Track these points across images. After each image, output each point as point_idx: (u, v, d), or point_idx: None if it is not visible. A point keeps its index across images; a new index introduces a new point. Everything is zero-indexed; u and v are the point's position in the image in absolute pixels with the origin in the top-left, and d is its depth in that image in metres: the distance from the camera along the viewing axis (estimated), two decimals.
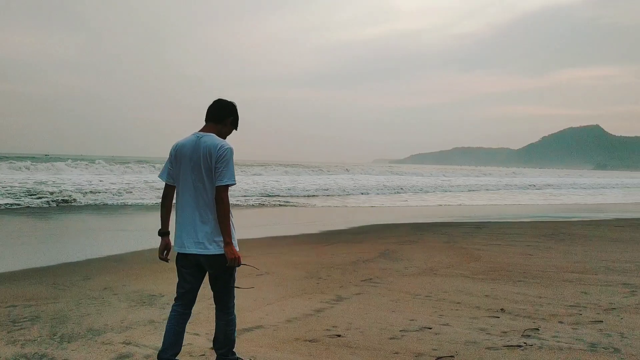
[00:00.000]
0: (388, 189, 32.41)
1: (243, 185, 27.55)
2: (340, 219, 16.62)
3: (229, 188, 3.38)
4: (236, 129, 3.68)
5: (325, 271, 7.67)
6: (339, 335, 4.52)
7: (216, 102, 3.62)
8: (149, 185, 23.95)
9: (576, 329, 4.65)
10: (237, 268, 3.52)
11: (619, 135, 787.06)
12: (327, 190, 29.04)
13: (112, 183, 24.18)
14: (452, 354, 3.99)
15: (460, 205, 23.81)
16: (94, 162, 36.70)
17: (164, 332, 3.58)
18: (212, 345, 3.86)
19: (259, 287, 6.60)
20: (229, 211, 3.38)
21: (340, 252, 9.63)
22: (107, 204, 18.62)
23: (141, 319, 5.06)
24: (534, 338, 4.40)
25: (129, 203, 19.09)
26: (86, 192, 20.33)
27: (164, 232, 3.64)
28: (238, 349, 4.05)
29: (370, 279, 7.11)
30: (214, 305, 3.68)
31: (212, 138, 3.45)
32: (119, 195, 20.38)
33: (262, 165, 53.44)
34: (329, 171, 51.41)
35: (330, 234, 12.56)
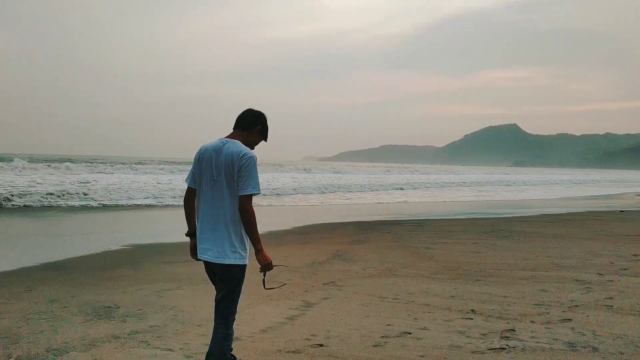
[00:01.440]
0: (328, 188, 32.48)
1: (182, 186, 26.74)
2: (281, 218, 16.46)
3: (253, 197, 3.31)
4: (265, 140, 3.63)
5: (284, 275, 7.49)
6: (321, 345, 4.38)
7: (246, 111, 3.57)
8: (80, 185, 22.77)
9: (549, 328, 4.75)
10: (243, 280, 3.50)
11: (535, 133, 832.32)
12: (265, 189, 28.72)
13: (38, 183, 22.73)
14: None
15: (398, 203, 24.24)
16: (11, 161, 34.38)
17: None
18: None
19: (246, 294, 6.33)
20: (255, 220, 3.32)
21: (292, 254, 9.47)
22: (33, 206, 17.50)
23: (103, 334, 4.70)
24: (513, 340, 4.44)
25: (60, 205, 18.04)
26: (13, 195, 18.96)
27: (191, 233, 3.55)
28: None
29: (333, 282, 7.00)
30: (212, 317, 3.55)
31: (237, 145, 3.39)
32: (48, 197, 19.16)
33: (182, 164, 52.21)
34: (264, 170, 50.84)
35: (276, 235, 12.35)
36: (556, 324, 4.89)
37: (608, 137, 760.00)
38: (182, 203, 3.64)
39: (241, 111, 3.57)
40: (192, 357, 4.13)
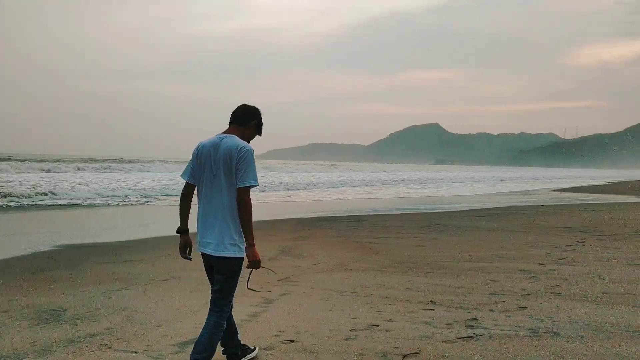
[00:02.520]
0: (264, 186, 32.15)
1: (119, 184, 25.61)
2: None
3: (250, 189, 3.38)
4: (260, 135, 3.73)
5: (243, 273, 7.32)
6: (292, 341, 4.30)
7: (241, 106, 3.66)
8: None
9: (509, 316, 4.91)
10: (242, 271, 3.54)
11: (456, 133, 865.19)
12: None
13: None
14: (415, 351, 3.98)
15: (334, 199, 24.43)
16: None
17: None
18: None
19: (173, 293, 6.11)
20: (251, 213, 3.38)
21: None
22: None
23: (56, 339, 4.39)
24: (478, 328, 4.55)
25: None
26: None
27: (182, 230, 3.66)
28: None
29: (287, 278, 6.92)
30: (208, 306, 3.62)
31: (234, 139, 3.47)
32: None
33: (121, 162, 50.16)
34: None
35: None
36: (514, 311, 5.07)
37: (522, 136, 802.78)
38: (140, 202, 3.52)
39: (234, 107, 3.65)
40: (160, 358, 3.94)
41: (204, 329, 3.48)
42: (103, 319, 4.98)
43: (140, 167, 42.09)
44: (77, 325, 4.78)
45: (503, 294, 5.77)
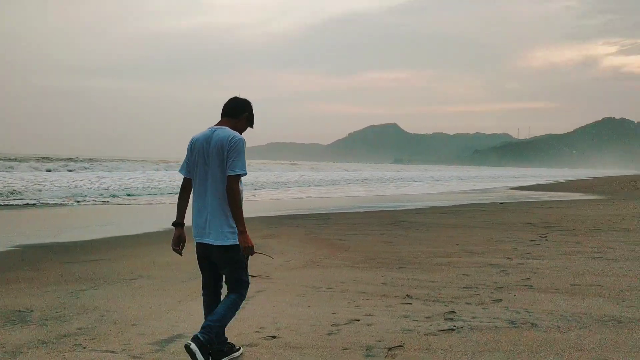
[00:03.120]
0: None
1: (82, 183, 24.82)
2: (171, 216, 15.94)
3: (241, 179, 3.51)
4: (252, 127, 3.80)
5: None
6: (274, 337, 4.24)
7: (232, 99, 3.72)
8: None
9: (486, 308, 4.98)
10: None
11: (413, 132, 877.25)
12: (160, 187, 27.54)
13: None
14: (399, 344, 3.99)
15: (299, 198, 24.39)
16: None
17: None
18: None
19: (144, 292, 5.95)
20: (240, 201, 3.47)
21: None
22: None
23: (26, 340, 4.20)
24: (457, 320, 4.60)
25: None
26: None
27: (178, 223, 3.74)
28: None
29: (260, 275, 6.84)
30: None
31: (226, 130, 3.56)
32: None
33: (74, 161, 48.65)
34: (157, 168, 48.46)
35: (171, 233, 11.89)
36: (490, 304, 5.14)
37: (477, 136, 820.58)
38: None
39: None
40: (140, 357, 3.81)
41: (221, 303, 3.65)
42: (73, 319, 4.81)
43: (100, 166, 40.93)
44: (46, 326, 4.59)
45: (477, 288, 5.86)
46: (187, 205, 3.75)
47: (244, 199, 3.70)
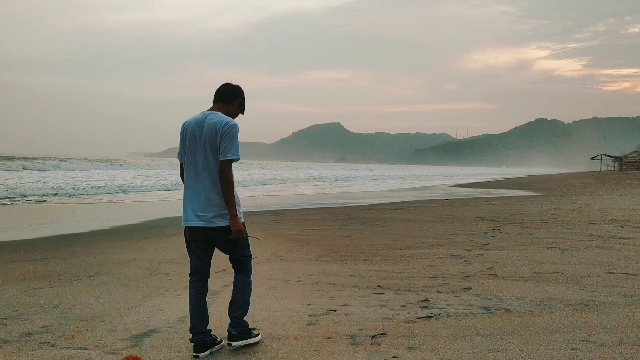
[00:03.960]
0: (163, 186, 31.05)
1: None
2: (124, 214, 15.54)
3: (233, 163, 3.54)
4: (243, 113, 3.81)
5: (165, 267, 7.00)
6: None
7: (224, 85, 3.72)
8: None
9: (458, 296, 5.06)
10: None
11: (357, 132, 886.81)
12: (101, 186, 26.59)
13: None
14: (382, 332, 3.98)
15: (247, 196, 24.14)
16: None
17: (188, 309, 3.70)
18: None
19: (105, 288, 5.69)
20: (232, 185, 3.52)
21: (163, 247, 8.90)
22: None
23: None
24: (433, 308, 4.64)
25: None
26: None
27: None
28: (144, 356, 3.47)
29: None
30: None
31: (219, 115, 3.57)
32: None
33: (9, 159, 46.25)
34: (96, 166, 46.69)
35: (128, 230, 11.56)
36: (460, 292, 5.23)
37: (418, 135, 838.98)
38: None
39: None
40: (116, 352, 3.63)
41: (234, 290, 3.79)
42: (34, 318, 4.53)
43: (40, 164, 39.06)
44: (6, 325, 4.31)
45: (444, 277, 5.94)
46: None
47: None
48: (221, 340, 3.76)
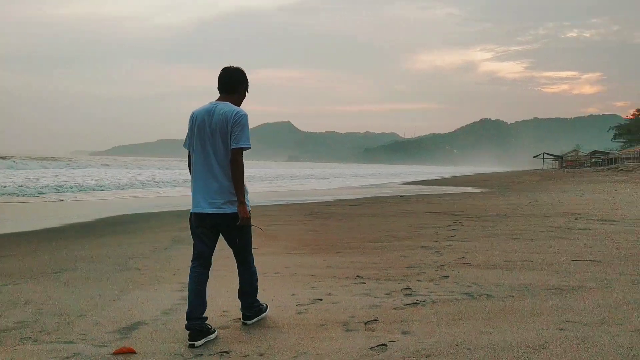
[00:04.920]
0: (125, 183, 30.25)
1: None
2: (76, 212, 15.08)
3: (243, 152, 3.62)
4: (247, 91, 3.89)
5: (134, 262, 6.82)
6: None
7: (226, 74, 3.77)
8: None
9: (438, 284, 5.14)
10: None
11: (307, 131, 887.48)
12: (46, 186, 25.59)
13: None
14: (374, 319, 4.00)
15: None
16: None
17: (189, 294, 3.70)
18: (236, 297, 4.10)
19: (75, 284, 5.49)
20: (243, 173, 3.61)
21: (126, 243, 8.69)
22: None
23: None
24: (417, 295, 4.70)
25: None
26: None
27: None
28: (136, 347, 3.38)
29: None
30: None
31: (229, 105, 3.67)
32: None
33: None
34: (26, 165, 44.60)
35: (85, 228, 11.23)
36: (439, 280, 5.32)
37: (367, 135, 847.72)
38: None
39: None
40: (106, 345, 3.50)
41: (242, 281, 3.99)
42: (7, 314, 4.32)
43: None
44: None
45: (420, 267, 6.04)
46: None
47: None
48: (215, 331, 3.70)
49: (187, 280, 5.51)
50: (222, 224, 3.69)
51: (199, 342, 3.48)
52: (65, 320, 4.10)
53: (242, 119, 3.59)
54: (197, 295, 3.66)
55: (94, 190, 24.43)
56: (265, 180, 43.50)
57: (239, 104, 3.78)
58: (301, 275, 5.72)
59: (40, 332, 3.82)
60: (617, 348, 3.22)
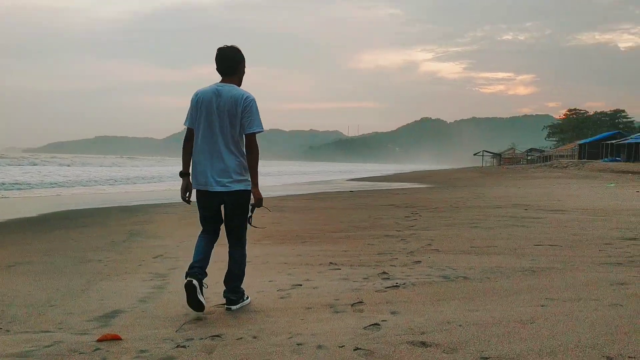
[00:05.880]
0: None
1: None
2: (17, 208, 14.41)
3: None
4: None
5: (93, 255, 6.55)
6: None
7: (223, 56, 3.80)
8: None
9: (412, 269, 5.20)
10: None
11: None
12: None
13: None
14: (359, 301, 3.99)
15: (151, 191, 23.23)
16: None
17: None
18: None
19: (34, 277, 5.21)
20: (258, 155, 3.82)
21: (79, 237, 8.33)
22: None
23: None
24: (395, 279, 4.73)
25: None
26: None
27: (185, 173, 3.92)
28: (121, 334, 3.23)
29: (161, 255, 6.43)
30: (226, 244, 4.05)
31: (236, 88, 3.78)
32: None
33: None
34: None
35: (30, 223, 10.71)
36: (413, 265, 5.38)
37: (312, 133, 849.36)
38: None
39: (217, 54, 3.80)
40: (87, 333, 3.33)
41: (232, 263, 3.96)
42: None
43: None
44: None
45: (390, 253, 6.09)
46: (191, 156, 3.87)
47: None
48: (205, 286, 3.82)
49: (154, 271, 5.41)
50: (227, 201, 3.79)
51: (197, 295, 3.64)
52: (35, 311, 3.88)
53: (252, 103, 3.73)
54: (202, 252, 3.89)
55: (32, 188, 23.32)
56: None
57: (241, 83, 3.88)
58: (273, 264, 5.66)
59: (9, 322, 3.59)
60: (600, 320, 3.35)
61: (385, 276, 4.86)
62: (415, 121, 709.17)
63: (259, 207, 3.88)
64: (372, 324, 3.37)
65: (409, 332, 3.19)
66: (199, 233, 4.00)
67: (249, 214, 3.91)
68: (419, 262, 5.54)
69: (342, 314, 3.66)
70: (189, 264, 3.85)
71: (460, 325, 3.30)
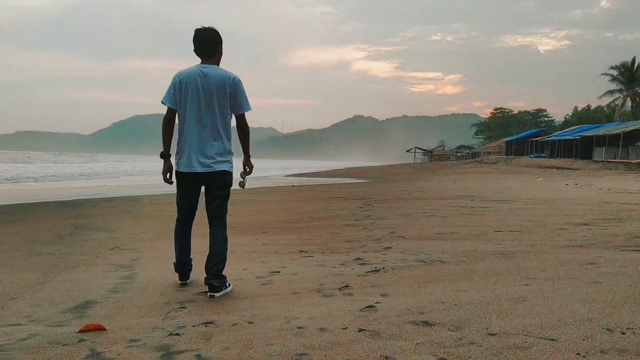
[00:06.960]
0: None
1: None
2: None
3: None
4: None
5: (43, 248, 6.14)
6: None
7: (203, 36, 3.77)
8: None
9: (386, 254, 5.17)
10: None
11: None
12: None
13: None
14: (345, 285, 3.91)
15: (85, 187, 22.20)
16: None
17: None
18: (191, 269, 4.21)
19: (26, 268, 4.79)
20: (249, 132, 3.93)
21: (19, 231, 7.82)
22: None
23: None
24: (372, 264, 4.68)
25: None
26: None
27: (167, 154, 3.88)
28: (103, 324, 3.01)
29: (118, 246, 6.14)
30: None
31: (220, 69, 3.80)
32: None
33: None
34: None
35: None
36: (384, 251, 5.36)
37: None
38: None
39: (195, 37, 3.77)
40: (62, 324, 3.06)
41: (213, 245, 3.86)
42: None
43: None
44: None
45: (357, 241, 6.05)
46: (172, 137, 3.86)
47: None
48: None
49: (115, 263, 5.11)
50: (210, 181, 3.80)
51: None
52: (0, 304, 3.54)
53: (240, 84, 3.76)
54: (184, 252, 4.10)
55: None
56: (144, 174, 41.42)
57: (219, 63, 3.88)
58: (241, 253, 5.49)
59: None
60: (587, 296, 3.43)
61: (361, 262, 4.81)
62: (348, 119, 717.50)
63: (249, 174, 4.02)
64: (367, 306, 3.30)
65: (407, 313, 3.14)
66: (174, 226, 4.11)
67: (243, 180, 4.01)
68: (390, 247, 5.53)
69: (333, 298, 3.57)
70: (173, 262, 4.14)
71: (455, 305, 3.29)
